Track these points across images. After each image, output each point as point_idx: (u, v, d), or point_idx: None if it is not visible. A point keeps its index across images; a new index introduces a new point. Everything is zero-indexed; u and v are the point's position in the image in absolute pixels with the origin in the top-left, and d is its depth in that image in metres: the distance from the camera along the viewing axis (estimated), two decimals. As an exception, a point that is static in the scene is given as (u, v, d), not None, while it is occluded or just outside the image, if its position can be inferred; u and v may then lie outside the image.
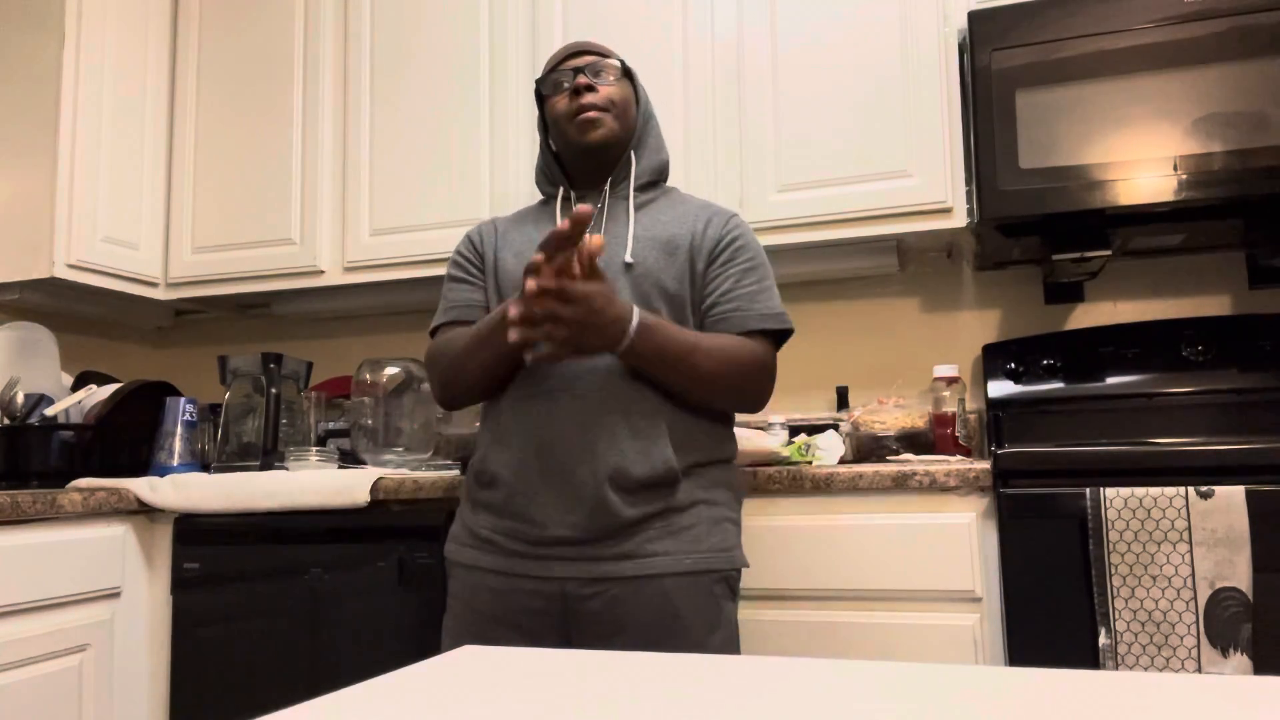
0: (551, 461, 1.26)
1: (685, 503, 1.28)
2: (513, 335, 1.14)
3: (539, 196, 1.53)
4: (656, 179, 1.45)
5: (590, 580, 1.25)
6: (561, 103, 1.38)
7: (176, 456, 2.03)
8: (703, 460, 1.32)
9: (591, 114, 1.35)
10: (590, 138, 1.35)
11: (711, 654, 1.23)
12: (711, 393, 1.29)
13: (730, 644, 1.30)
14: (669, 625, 1.23)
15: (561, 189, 1.44)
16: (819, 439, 1.87)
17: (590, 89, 1.35)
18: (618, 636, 1.24)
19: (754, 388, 1.32)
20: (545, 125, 1.46)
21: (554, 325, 1.13)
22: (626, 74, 1.42)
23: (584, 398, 1.26)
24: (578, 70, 1.37)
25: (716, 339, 1.29)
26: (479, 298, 1.42)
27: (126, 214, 2.28)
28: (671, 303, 1.33)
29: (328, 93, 2.30)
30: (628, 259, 1.32)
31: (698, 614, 1.25)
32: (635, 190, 1.41)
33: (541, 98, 1.44)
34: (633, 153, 1.41)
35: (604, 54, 1.41)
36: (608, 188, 1.41)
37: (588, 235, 1.12)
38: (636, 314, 1.20)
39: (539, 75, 1.46)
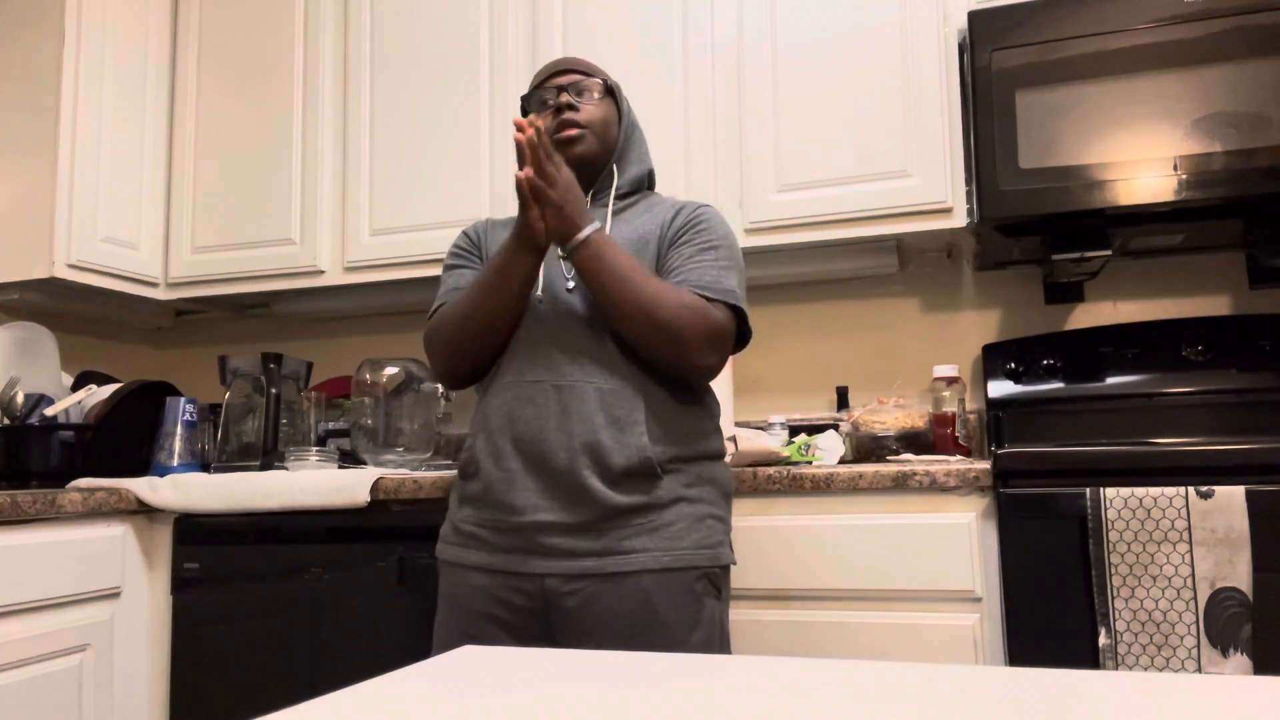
0: (529, 447, 1.28)
1: (666, 499, 1.29)
2: (520, 136, 1.23)
3: None
4: (637, 188, 1.49)
5: (569, 577, 1.26)
6: (545, 119, 1.43)
7: (176, 456, 2.03)
8: (686, 455, 1.32)
9: (571, 131, 1.40)
10: (570, 154, 1.40)
11: (692, 652, 1.24)
12: (651, 323, 1.26)
13: (713, 642, 1.30)
14: (647, 622, 1.24)
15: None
16: (819, 439, 1.87)
17: (572, 108, 1.40)
18: (595, 633, 1.25)
19: (694, 338, 1.28)
20: None
21: (548, 176, 1.24)
22: (609, 92, 1.46)
23: (562, 387, 1.29)
24: (561, 89, 1.42)
25: (667, 283, 1.32)
26: None
27: (126, 214, 2.28)
28: None
29: (328, 93, 2.30)
30: None
31: (676, 612, 1.25)
32: (614, 199, 1.45)
33: (525, 112, 1.48)
34: (614, 166, 1.46)
35: (587, 73, 1.45)
36: (589, 199, 1.45)
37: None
38: (596, 226, 1.29)
39: (528, 85, 1.50)
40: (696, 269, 1.34)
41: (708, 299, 1.32)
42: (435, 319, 1.42)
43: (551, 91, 1.43)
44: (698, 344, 1.29)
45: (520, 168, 1.25)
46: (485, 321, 1.33)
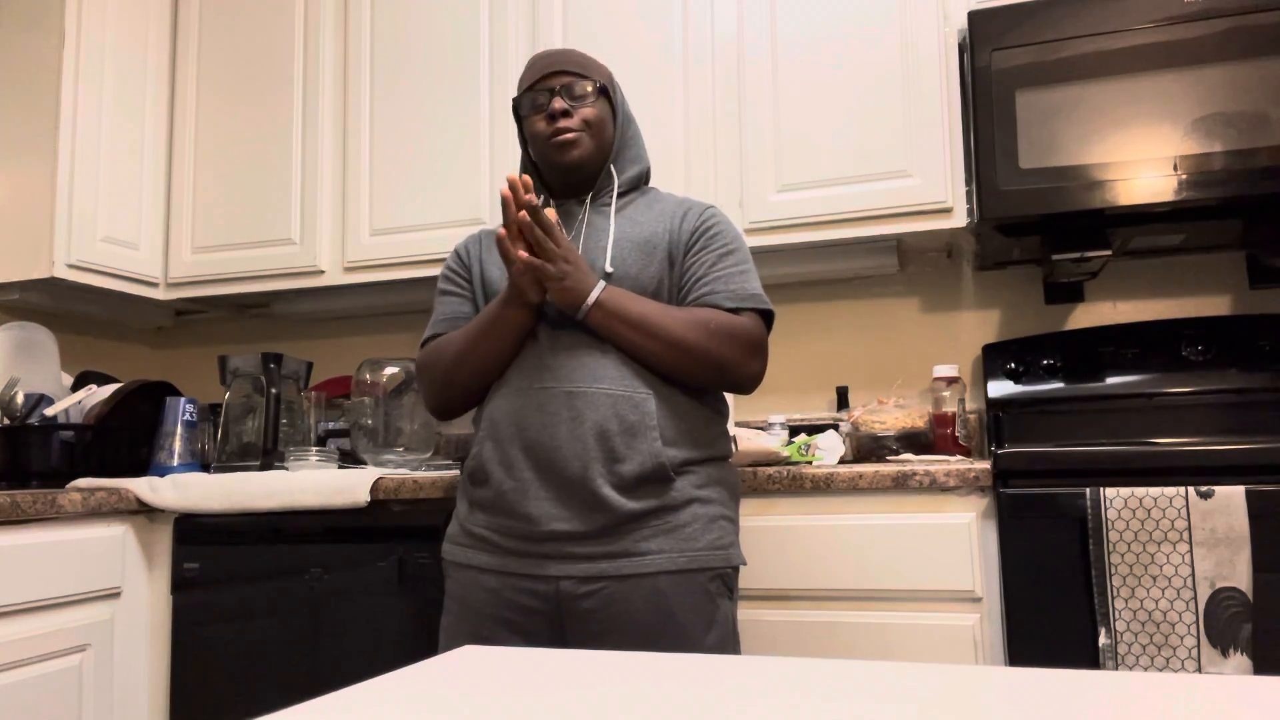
0: (543, 457, 1.27)
1: (680, 501, 1.28)
2: (516, 192, 1.23)
3: None
4: (635, 186, 1.47)
5: (585, 579, 1.25)
6: (539, 124, 1.40)
7: (176, 456, 2.03)
8: (697, 458, 1.32)
9: (568, 135, 1.38)
10: (567, 159, 1.39)
11: (707, 653, 1.24)
12: (687, 358, 1.29)
13: (727, 643, 1.30)
14: (664, 623, 1.24)
15: (542, 200, 1.47)
16: (819, 439, 1.87)
17: (566, 114, 1.38)
18: (612, 634, 1.25)
19: (733, 356, 1.31)
20: (525, 138, 1.48)
21: (547, 253, 1.25)
22: (603, 92, 1.43)
23: (574, 394, 1.28)
24: (553, 92, 1.39)
25: (689, 308, 1.33)
26: (468, 309, 1.45)
27: (126, 214, 2.28)
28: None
29: (328, 92, 2.30)
30: (607, 268, 1.34)
31: (693, 612, 1.25)
32: (615, 199, 1.43)
33: (518, 113, 1.46)
34: (612, 166, 1.44)
35: (580, 73, 1.41)
36: (589, 200, 1.44)
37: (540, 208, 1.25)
38: (602, 286, 1.29)
39: (516, 89, 1.47)
40: (722, 277, 1.35)
41: (736, 309, 1.34)
42: (428, 352, 1.42)
43: (544, 94, 1.40)
44: (738, 361, 1.32)
45: (504, 222, 1.26)
46: (479, 364, 1.35)
